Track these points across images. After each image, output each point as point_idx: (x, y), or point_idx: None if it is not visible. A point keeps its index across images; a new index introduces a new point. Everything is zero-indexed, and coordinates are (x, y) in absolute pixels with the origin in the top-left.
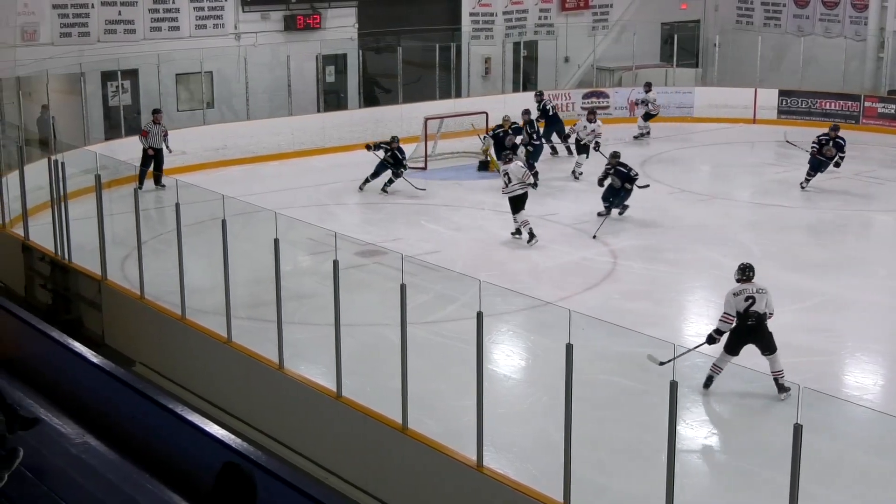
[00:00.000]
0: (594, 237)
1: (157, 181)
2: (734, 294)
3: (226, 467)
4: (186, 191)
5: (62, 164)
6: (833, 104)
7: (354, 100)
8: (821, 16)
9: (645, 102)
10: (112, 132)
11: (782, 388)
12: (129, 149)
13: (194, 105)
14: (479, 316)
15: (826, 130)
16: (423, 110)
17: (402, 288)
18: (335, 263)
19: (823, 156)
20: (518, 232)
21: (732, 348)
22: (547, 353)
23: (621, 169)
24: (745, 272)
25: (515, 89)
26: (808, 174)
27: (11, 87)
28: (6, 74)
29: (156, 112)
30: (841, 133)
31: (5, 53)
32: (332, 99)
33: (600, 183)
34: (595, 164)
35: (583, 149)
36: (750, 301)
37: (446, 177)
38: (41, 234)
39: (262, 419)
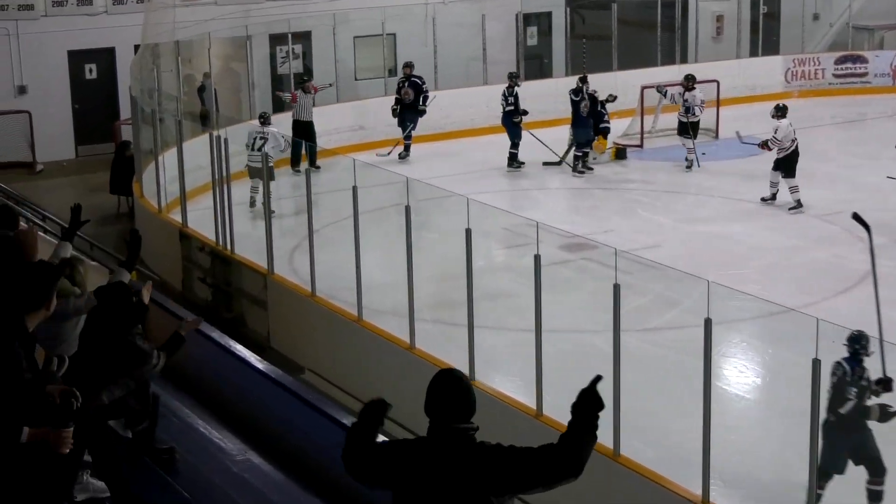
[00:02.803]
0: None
1: (312, 161)
2: None
3: (438, 374)
4: (365, 172)
5: (225, 140)
6: None
7: (561, 66)
8: None
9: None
10: (281, 104)
11: None
12: None
13: (375, 73)
14: (707, 323)
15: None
16: (642, 78)
17: (616, 288)
18: (536, 258)
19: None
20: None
21: None
22: (788, 369)
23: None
24: None
25: (753, 53)
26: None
27: (170, 52)
28: (164, 38)
29: (304, 80)
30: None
31: (163, 15)
32: (533, 65)
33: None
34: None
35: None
36: None
37: (668, 157)
38: (201, 220)
39: None
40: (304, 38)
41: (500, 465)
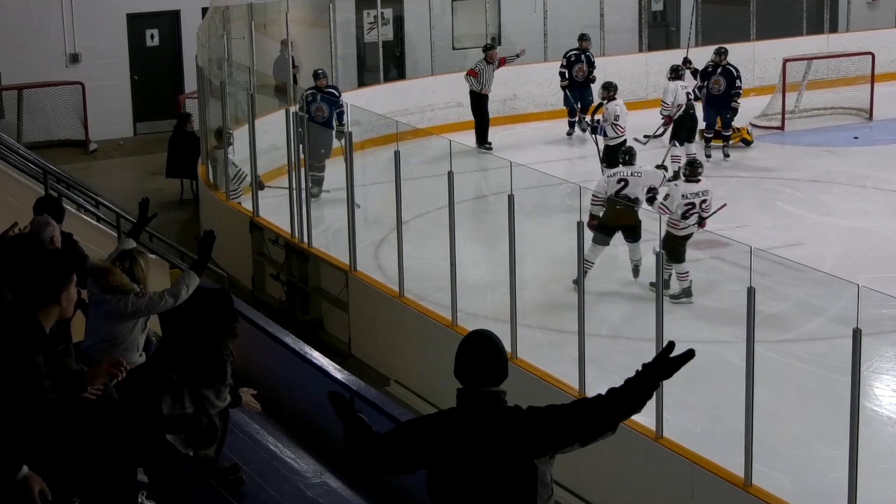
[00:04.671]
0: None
1: (480, 139)
2: (608, 177)
3: (469, 336)
4: (462, 155)
5: (304, 117)
6: None
7: (685, 35)
8: None
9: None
10: (368, 76)
11: (637, 273)
12: (389, 98)
13: (475, 41)
14: (857, 334)
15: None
16: (784, 50)
17: (750, 292)
18: (658, 256)
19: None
20: None
21: (603, 238)
22: None
23: None
24: (625, 155)
25: None
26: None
27: (242, 16)
28: (235, 1)
29: (489, 48)
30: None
31: None
32: (658, 33)
33: None
34: None
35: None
36: (622, 184)
37: (814, 141)
38: (274, 208)
39: (557, 461)
40: (394, 0)
41: (537, 425)
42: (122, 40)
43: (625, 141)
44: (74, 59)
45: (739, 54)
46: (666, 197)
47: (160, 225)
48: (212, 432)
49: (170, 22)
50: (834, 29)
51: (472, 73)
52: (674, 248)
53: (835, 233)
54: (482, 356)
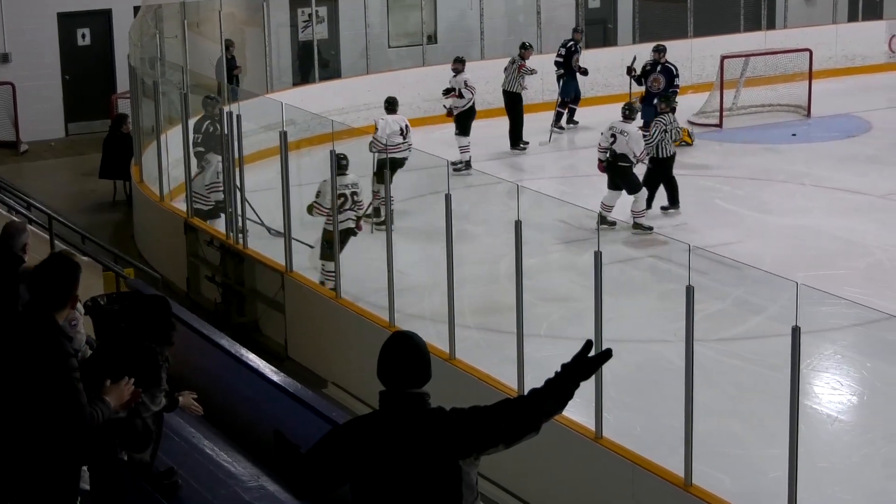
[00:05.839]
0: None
1: (515, 140)
2: (608, 128)
3: (391, 337)
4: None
5: (237, 116)
6: None
7: (627, 32)
8: None
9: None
10: (303, 75)
11: (638, 227)
12: (325, 97)
13: (411, 40)
14: (796, 332)
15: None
16: (721, 47)
17: (689, 291)
18: (597, 255)
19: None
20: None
21: (609, 183)
22: (891, 386)
23: None
24: (624, 111)
25: (852, 17)
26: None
27: (174, 15)
28: None
29: (525, 47)
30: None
31: None
32: (596, 31)
33: None
34: None
35: None
36: (613, 139)
37: (752, 139)
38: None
39: (496, 463)
40: None
41: (460, 426)
42: (52, 40)
43: (405, 158)
44: (4, 58)
45: (677, 51)
46: (318, 195)
47: (93, 227)
48: (146, 436)
49: (101, 21)
50: (772, 26)
51: (522, 67)
52: (330, 245)
53: (774, 230)
54: (404, 357)
